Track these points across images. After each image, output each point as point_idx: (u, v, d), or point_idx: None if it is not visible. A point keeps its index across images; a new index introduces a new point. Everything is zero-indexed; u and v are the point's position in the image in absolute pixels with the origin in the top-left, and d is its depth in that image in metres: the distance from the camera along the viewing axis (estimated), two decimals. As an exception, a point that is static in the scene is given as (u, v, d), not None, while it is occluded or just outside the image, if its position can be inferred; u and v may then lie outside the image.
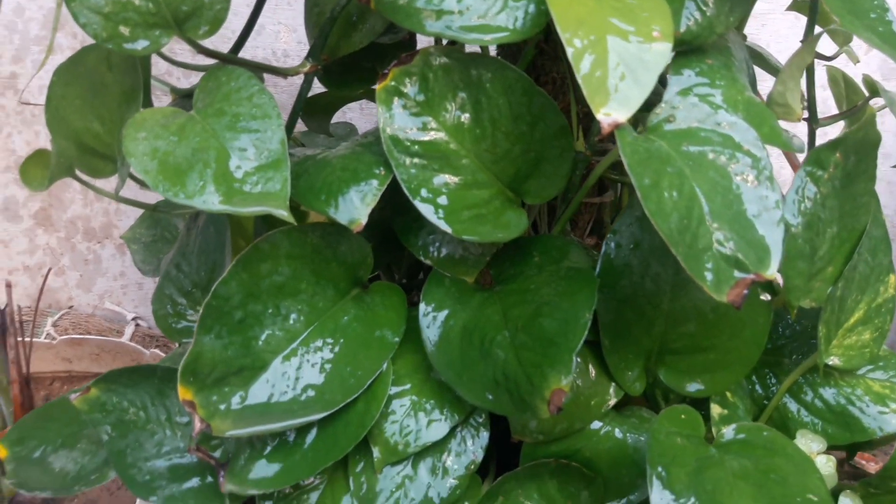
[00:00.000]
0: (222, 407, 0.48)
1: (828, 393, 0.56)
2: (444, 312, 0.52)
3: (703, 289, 0.39)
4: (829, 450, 0.64)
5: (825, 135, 0.54)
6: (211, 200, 0.45)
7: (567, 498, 0.51)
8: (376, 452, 0.51)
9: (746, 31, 0.60)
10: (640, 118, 0.45)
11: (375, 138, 0.52)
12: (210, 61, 0.53)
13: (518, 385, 0.45)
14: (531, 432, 0.52)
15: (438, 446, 0.52)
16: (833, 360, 0.55)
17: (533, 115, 0.49)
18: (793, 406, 0.57)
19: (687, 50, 0.48)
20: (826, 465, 0.53)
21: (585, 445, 0.52)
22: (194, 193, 0.45)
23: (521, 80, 0.49)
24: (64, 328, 1.04)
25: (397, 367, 0.53)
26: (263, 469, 0.51)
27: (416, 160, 0.49)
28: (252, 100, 0.49)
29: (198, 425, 0.47)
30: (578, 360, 0.52)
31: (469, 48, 0.50)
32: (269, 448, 0.51)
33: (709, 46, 0.49)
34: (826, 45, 0.66)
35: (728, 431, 0.47)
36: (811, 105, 0.63)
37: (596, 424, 0.52)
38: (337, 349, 0.52)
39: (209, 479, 0.54)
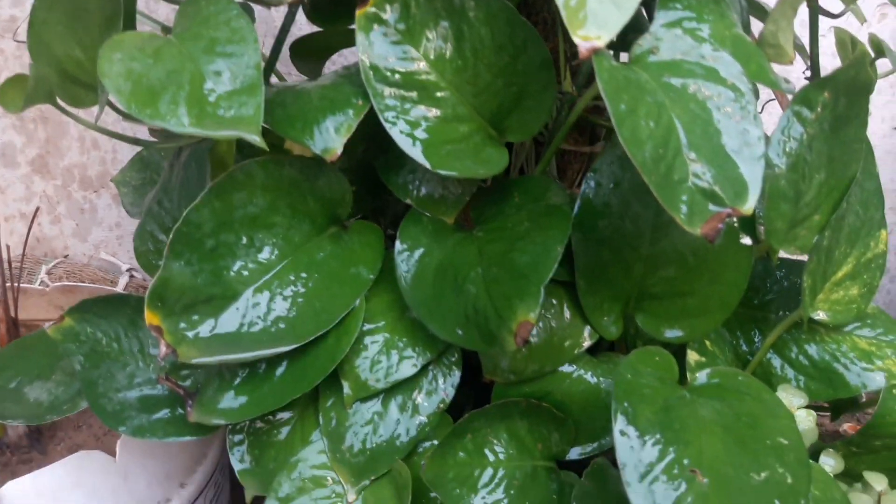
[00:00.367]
0: (190, 334, 0.48)
1: (812, 349, 0.55)
2: (420, 251, 0.51)
3: (677, 220, 0.38)
4: (815, 411, 0.63)
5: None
6: (182, 122, 0.44)
7: (537, 440, 0.50)
8: (346, 388, 0.50)
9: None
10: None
11: (357, 70, 0.51)
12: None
13: (487, 318, 0.45)
14: (502, 371, 0.51)
15: (409, 384, 0.51)
16: (819, 315, 0.54)
17: (516, 46, 0.48)
18: (776, 362, 0.56)
19: (676, -17, 0.47)
20: (806, 419, 0.52)
21: (557, 388, 0.51)
22: (165, 115, 0.45)
23: (504, 9, 0.47)
24: (58, 276, 1.04)
25: (372, 305, 0.53)
26: (232, 400, 0.50)
27: (394, 91, 0.48)
28: (230, 24, 0.48)
29: (163, 350, 0.47)
30: (554, 301, 0.51)
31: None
32: (238, 379, 0.51)
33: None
34: (833, 2, 0.64)
35: (701, 375, 0.46)
36: (814, 63, 0.61)
37: (568, 367, 0.51)
38: (311, 284, 0.51)
39: (179, 410, 0.54)
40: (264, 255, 0.51)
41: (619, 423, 0.40)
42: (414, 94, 0.49)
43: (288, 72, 0.89)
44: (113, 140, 1.03)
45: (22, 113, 1.01)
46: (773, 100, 0.79)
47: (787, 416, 0.43)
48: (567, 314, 0.51)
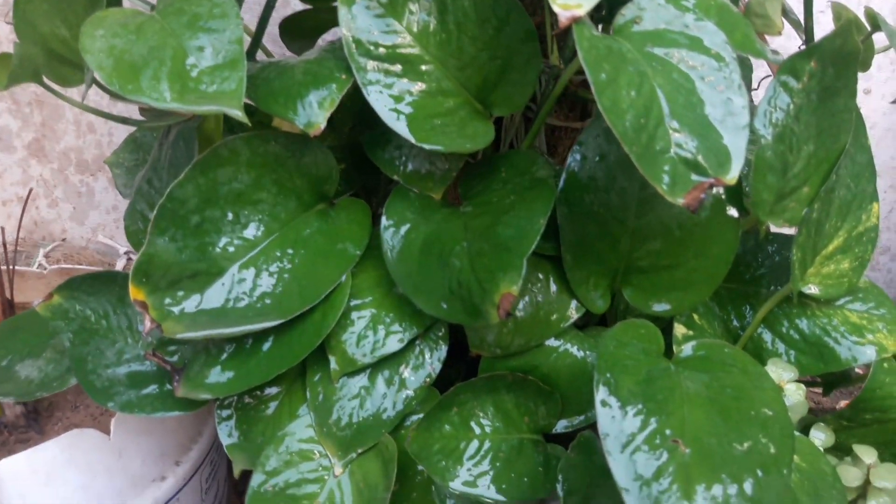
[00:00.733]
0: (175, 310, 0.48)
1: (803, 323, 0.55)
2: (406, 226, 0.51)
3: (659, 191, 0.38)
4: (807, 386, 0.63)
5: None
6: (164, 97, 0.44)
7: (524, 413, 0.50)
8: (333, 363, 0.50)
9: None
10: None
11: (342, 44, 0.51)
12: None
13: (471, 291, 0.44)
14: (488, 346, 0.51)
15: (396, 358, 0.51)
16: (810, 289, 0.53)
17: (499, 17, 0.47)
18: (767, 336, 0.56)
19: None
20: (796, 392, 0.52)
21: (544, 361, 0.51)
22: (147, 90, 0.45)
23: (487, -20, 0.47)
24: (56, 259, 1.04)
25: (359, 280, 0.52)
26: (218, 375, 0.50)
27: (378, 64, 0.48)
28: (212, -1, 0.48)
29: (148, 325, 0.47)
30: (540, 275, 0.51)
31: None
32: (224, 354, 0.51)
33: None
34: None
35: (687, 348, 0.46)
36: (809, 38, 0.60)
37: (555, 341, 0.51)
38: (297, 260, 0.51)
39: (167, 386, 0.54)
40: (250, 231, 0.51)
41: (601, 394, 0.40)
42: (398, 68, 0.48)
43: (282, 53, 0.88)
44: (109, 123, 1.02)
45: (17, 97, 1.02)
46: (770, 76, 0.78)
47: (773, 387, 0.43)
48: (553, 288, 0.51)
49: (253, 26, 0.61)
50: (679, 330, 0.50)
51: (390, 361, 0.51)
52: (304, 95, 0.48)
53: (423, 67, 0.49)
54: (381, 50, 0.48)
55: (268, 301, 0.50)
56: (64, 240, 1.10)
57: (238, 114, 0.43)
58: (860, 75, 0.78)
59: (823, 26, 0.78)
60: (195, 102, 0.44)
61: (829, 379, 0.60)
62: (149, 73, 0.45)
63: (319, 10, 0.68)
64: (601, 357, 0.41)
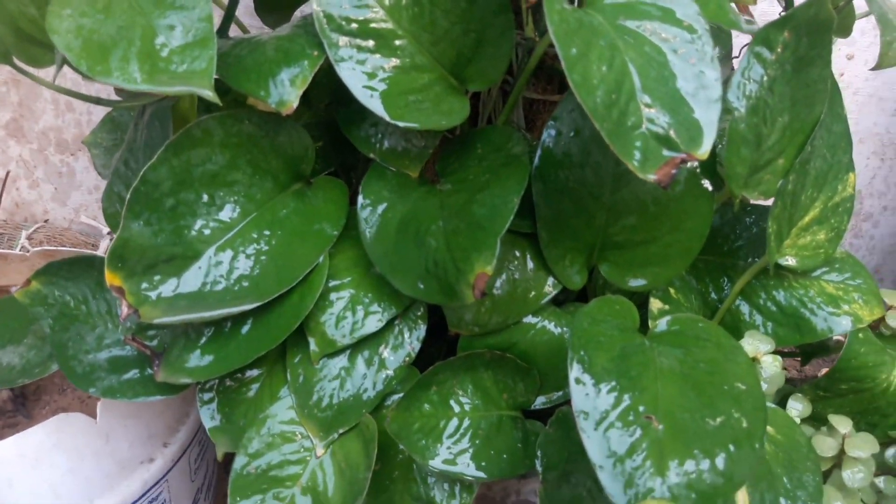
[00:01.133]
0: (152, 294, 0.48)
1: (780, 295, 0.55)
2: (383, 206, 0.51)
3: (630, 167, 0.38)
4: (785, 357, 0.64)
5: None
6: (133, 78, 0.44)
7: (503, 390, 0.51)
8: (313, 344, 0.50)
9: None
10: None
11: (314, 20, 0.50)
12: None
13: (446, 271, 0.44)
14: (466, 324, 0.51)
15: (376, 339, 0.51)
16: (787, 261, 0.53)
17: (471, -10, 0.46)
18: (745, 308, 0.56)
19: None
20: (772, 364, 0.52)
21: (522, 338, 0.51)
22: (117, 71, 0.44)
23: (458, -46, 0.46)
24: (39, 241, 1.03)
25: (337, 261, 0.52)
26: (198, 359, 0.50)
27: (350, 40, 0.47)
28: (180, -24, 0.47)
29: (125, 310, 0.47)
30: (517, 253, 0.51)
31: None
32: (203, 338, 0.51)
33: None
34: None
35: (662, 323, 0.46)
36: (788, 3, 0.60)
37: (532, 318, 0.51)
38: (273, 241, 0.51)
39: (148, 370, 0.54)
40: (226, 213, 0.50)
41: (575, 371, 0.40)
42: (370, 44, 0.48)
43: (259, 26, 0.87)
44: (84, 86, 1.01)
45: (-7, 76, 1.00)
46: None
47: (746, 361, 0.43)
48: (530, 265, 0.51)
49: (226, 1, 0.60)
50: (655, 304, 0.50)
51: (370, 342, 0.51)
52: (275, 73, 0.47)
53: (397, 42, 0.48)
54: (353, 25, 0.47)
55: (245, 284, 0.50)
56: (46, 221, 1.09)
57: (209, 94, 0.43)
58: (843, 41, 0.77)
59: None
60: (166, 83, 0.44)
61: (807, 349, 0.60)
62: (118, 53, 0.45)
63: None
64: (575, 334, 0.41)
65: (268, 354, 0.51)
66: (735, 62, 0.66)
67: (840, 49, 0.89)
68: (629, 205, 0.49)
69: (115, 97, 0.71)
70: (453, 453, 0.49)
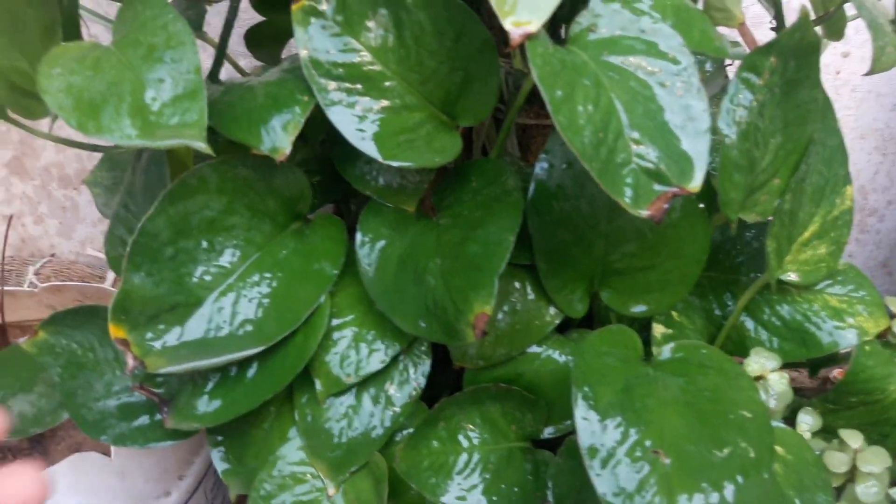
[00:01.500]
0: (157, 345, 0.48)
1: (785, 310, 0.55)
2: (382, 242, 0.51)
3: (622, 204, 0.38)
4: (794, 368, 0.63)
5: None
6: (127, 134, 0.44)
7: (511, 422, 0.51)
8: (318, 384, 0.51)
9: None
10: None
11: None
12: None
13: (446, 311, 0.45)
14: (471, 358, 0.51)
15: (381, 376, 0.51)
16: (790, 276, 0.53)
17: (455, 29, 0.46)
18: (750, 324, 0.56)
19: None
20: (780, 381, 0.52)
21: (527, 369, 0.51)
22: (109, 128, 0.44)
23: (440, -7, 0.46)
24: (46, 276, 1.04)
25: (339, 299, 0.52)
26: (206, 404, 0.51)
27: (339, 84, 0.47)
28: (167, 28, 0.47)
29: (131, 363, 0.47)
30: (517, 284, 0.51)
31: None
32: (210, 384, 0.51)
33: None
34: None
35: (665, 350, 0.46)
36: (779, 14, 0.59)
37: (536, 348, 0.51)
38: (275, 283, 0.51)
39: (158, 416, 0.54)
40: (226, 258, 0.51)
41: (580, 408, 0.40)
42: (359, 86, 0.48)
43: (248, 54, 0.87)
44: (83, 136, 1.02)
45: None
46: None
47: (750, 387, 0.43)
48: (531, 296, 0.51)
49: (217, 37, 0.60)
50: (658, 329, 0.50)
51: (375, 379, 0.51)
52: (266, 120, 0.47)
53: (386, 84, 0.48)
54: (341, 70, 0.47)
55: (248, 328, 0.50)
56: (53, 255, 1.10)
57: (202, 145, 0.43)
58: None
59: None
60: (160, 137, 0.44)
61: (815, 361, 0.60)
62: (109, 109, 0.45)
63: (275, 20, 0.67)
64: (577, 369, 0.41)
65: (275, 396, 0.52)
66: (729, 70, 0.65)
67: (836, 47, 0.88)
68: (627, 233, 0.49)
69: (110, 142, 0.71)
70: (464, 489, 0.49)
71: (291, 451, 0.52)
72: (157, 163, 0.61)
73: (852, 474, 0.51)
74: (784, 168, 0.48)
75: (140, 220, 0.63)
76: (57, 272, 1.05)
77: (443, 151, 0.49)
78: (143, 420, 0.54)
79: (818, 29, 0.65)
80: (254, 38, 0.69)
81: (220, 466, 0.53)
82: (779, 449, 0.48)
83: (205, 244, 0.50)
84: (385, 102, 0.48)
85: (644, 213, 0.37)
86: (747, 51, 0.50)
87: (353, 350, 0.51)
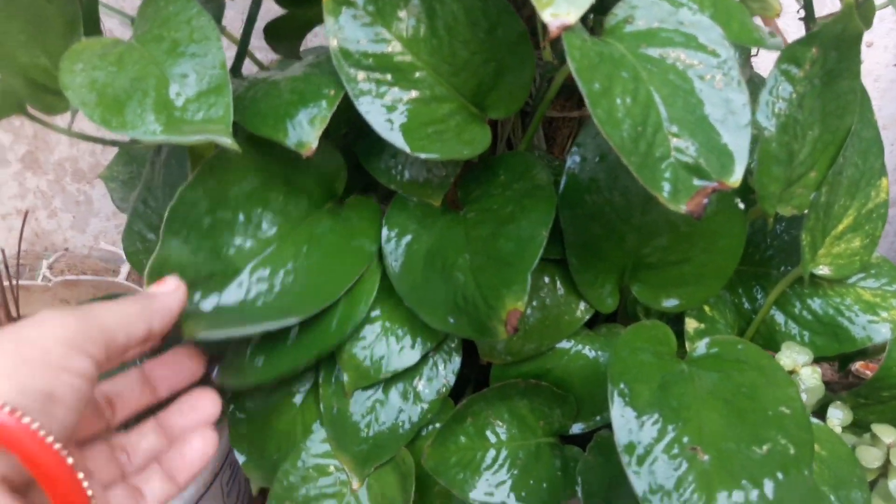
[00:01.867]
0: (193, 311, 0.47)
1: (816, 304, 0.54)
2: (408, 237, 0.50)
3: (660, 200, 0.37)
4: (822, 360, 0.63)
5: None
6: (152, 130, 0.43)
7: (539, 417, 0.50)
8: (346, 376, 0.50)
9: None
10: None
11: (327, 57, 0.50)
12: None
13: (476, 307, 0.44)
14: (499, 354, 0.50)
15: (410, 371, 0.51)
16: (822, 270, 0.52)
17: (490, 20, 0.46)
18: (780, 318, 0.55)
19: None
20: (811, 376, 0.51)
21: (556, 364, 0.51)
22: (133, 123, 0.43)
23: (474, -17, 0.45)
24: (60, 270, 1.04)
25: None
26: (251, 361, 0.50)
27: (368, 74, 0.46)
28: (191, 23, 0.47)
29: None
30: (546, 279, 0.50)
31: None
32: (251, 345, 0.50)
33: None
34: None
35: (700, 346, 0.45)
36: (808, 3, 0.58)
37: (566, 343, 0.51)
38: (313, 258, 0.50)
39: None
40: (263, 230, 0.49)
41: (617, 406, 0.39)
42: (389, 77, 0.47)
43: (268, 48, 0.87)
44: (102, 130, 1.01)
45: (6, 110, 1.00)
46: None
47: (788, 383, 0.42)
48: (561, 291, 0.50)
49: (237, 32, 0.60)
50: (690, 324, 0.50)
51: (403, 375, 0.51)
52: (293, 115, 0.47)
53: (416, 74, 0.47)
54: (371, 60, 0.46)
55: (286, 299, 0.49)
56: (66, 249, 1.10)
57: (227, 141, 0.42)
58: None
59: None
60: (184, 133, 0.43)
61: (845, 356, 0.60)
62: (133, 105, 0.44)
63: (296, 14, 0.66)
64: (613, 366, 0.41)
65: (300, 387, 0.51)
66: (753, 60, 0.65)
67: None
68: (660, 226, 0.48)
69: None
70: (492, 485, 0.48)
71: (315, 444, 0.51)
72: (178, 158, 0.60)
73: (885, 469, 0.51)
74: (822, 160, 0.47)
75: (160, 214, 0.62)
76: (70, 266, 1.05)
77: (472, 143, 0.48)
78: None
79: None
80: (274, 32, 0.69)
81: (242, 458, 0.53)
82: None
83: (242, 217, 0.49)
84: (415, 93, 0.47)
85: (683, 208, 0.37)
86: (783, 42, 0.49)
87: (382, 344, 0.50)
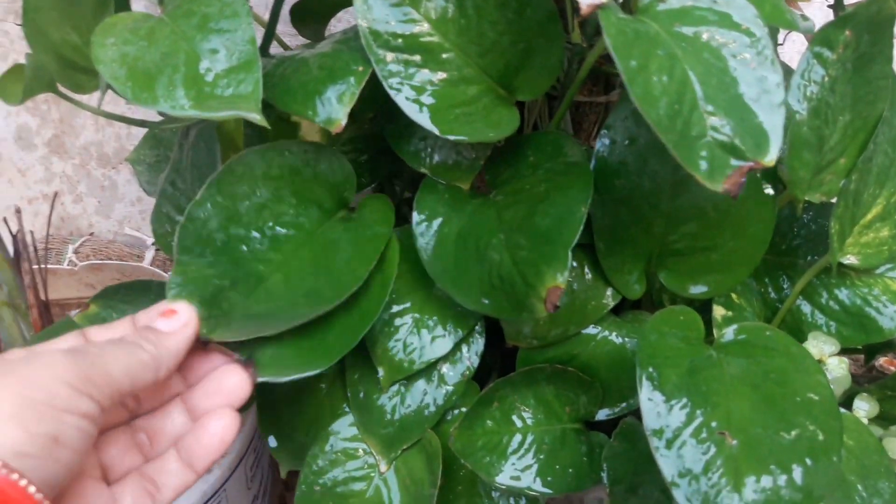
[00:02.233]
0: (221, 320, 0.47)
1: (843, 294, 0.54)
2: (439, 220, 0.50)
3: (697, 178, 0.37)
4: (847, 353, 0.62)
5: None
6: (181, 104, 0.43)
7: (565, 403, 0.50)
8: (381, 371, 0.50)
9: None
10: None
11: (355, 34, 0.50)
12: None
13: (514, 286, 0.44)
14: (525, 337, 0.50)
15: (437, 356, 0.51)
16: (849, 259, 0.52)
17: (519, 0, 0.45)
18: (806, 308, 0.55)
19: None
20: (839, 366, 0.51)
21: (582, 350, 0.51)
22: (164, 98, 0.44)
23: (504, -37, 0.45)
24: (85, 255, 1.05)
25: (396, 286, 0.51)
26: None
27: (397, 55, 0.46)
28: (221, -1, 0.47)
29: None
30: (574, 263, 0.50)
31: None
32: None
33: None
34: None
35: (728, 332, 0.45)
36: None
37: (592, 329, 0.51)
38: (329, 262, 0.50)
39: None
40: (278, 241, 0.50)
41: (645, 390, 0.39)
42: (418, 58, 0.47)
43: (294, 33, 0.87)
44: (130, 109, 1.02)
45: (33, 94, 1.01)
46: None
47: (816, 370, 0.42)
48: (588, 276, 0.50)
49: (263, 15, 0.60)
50: (718, 312, 0.49)
51: (429, 358, 0.51)
52: (322, 92, 0.47)
53: (444, 56, 0.47)
54: (400, 41, 0.46)
55: (308, 297, 0.48)
56: (92, 234, 1.10)
57: (256, 117, 0.42)
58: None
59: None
60: (214, 108, 0.43)
61: (871, 347, 0.59)
62: (163, 80, 0.44)
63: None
64: (642, 350, 0.40)
65: (327, 372, 0.51)
66: (780, 49, 0.64)
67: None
68: (689, 212, 0.48)
69: (156, 118, 0.71)
70: (518, 469, 0.48)
71: (343, 427, 0.51)
72: (206, 139, 0.60)
73: (913, 461, 0.50)
74: (852, 147, 0.46)
75: (188, 195, 0.63)
76: (95, 251, 1.06)
77: (500, 125, 0.48)
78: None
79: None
80: (299, 15, 0.69)
81: (272, 443, 0.53)
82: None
83: (255, 232, 0.49)
84: (443, 75, 0.47)
85: (721, 187, 0.36)
86: (813, 26, 0.48)
87: (414, 336, 0.50)
